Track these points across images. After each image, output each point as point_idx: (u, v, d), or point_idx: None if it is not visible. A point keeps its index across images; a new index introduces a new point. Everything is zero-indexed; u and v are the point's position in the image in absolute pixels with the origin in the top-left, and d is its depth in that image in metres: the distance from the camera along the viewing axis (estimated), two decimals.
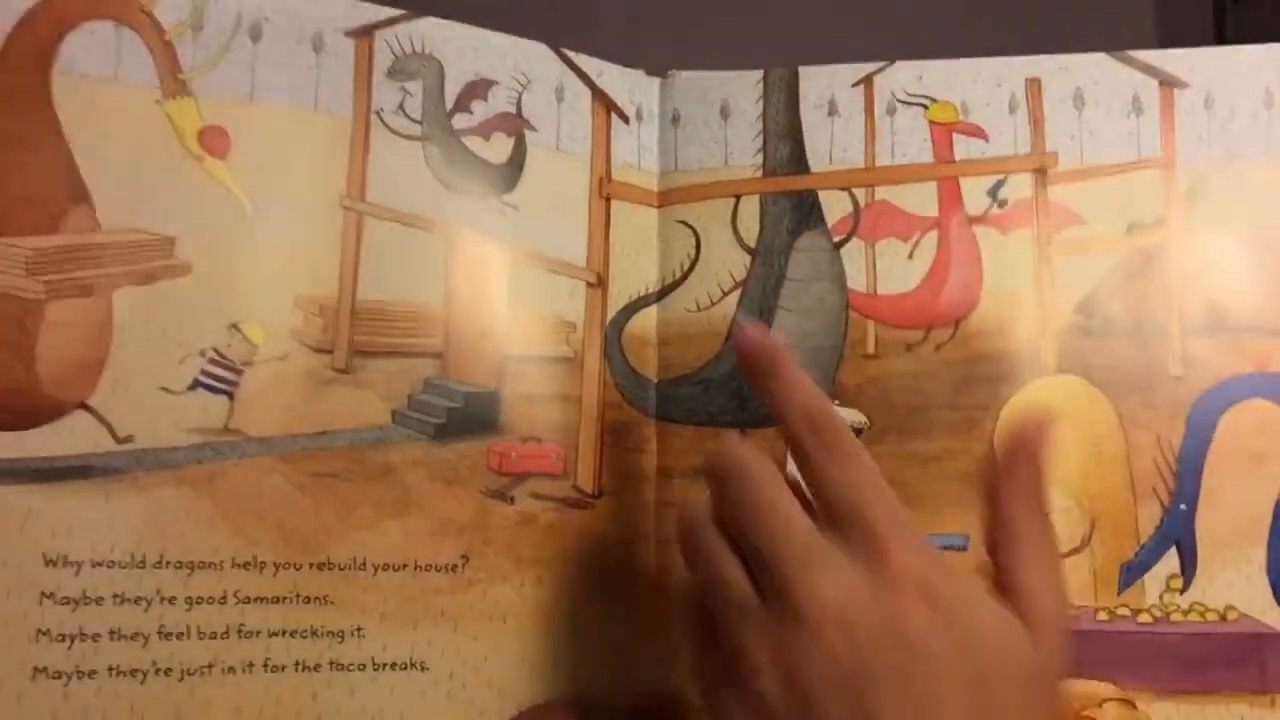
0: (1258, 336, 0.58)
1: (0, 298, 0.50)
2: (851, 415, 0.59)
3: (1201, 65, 0.61)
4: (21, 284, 0.50)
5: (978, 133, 0.61)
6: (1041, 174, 0.61)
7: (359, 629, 0.53)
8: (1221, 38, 0.90)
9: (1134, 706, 0.57)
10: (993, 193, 0.61)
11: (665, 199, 0.62)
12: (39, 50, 0.51)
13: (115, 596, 0.50)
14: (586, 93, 0.61)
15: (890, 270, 0.61)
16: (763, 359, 0.47)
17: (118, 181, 0.52)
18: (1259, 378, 0.58)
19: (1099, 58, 0.61)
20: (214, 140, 0.54)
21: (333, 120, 0.56)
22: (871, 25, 0.88)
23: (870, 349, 0.60)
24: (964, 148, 0.61)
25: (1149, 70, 0.61)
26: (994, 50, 0.62)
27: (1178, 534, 0.58)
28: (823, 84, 0.62)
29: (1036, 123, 0.61)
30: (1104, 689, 0.57)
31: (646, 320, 0.61)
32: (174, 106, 0.54)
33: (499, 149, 0.59)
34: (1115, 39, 0.64)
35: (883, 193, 0.61)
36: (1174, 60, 0.61)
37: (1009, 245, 0.61)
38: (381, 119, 0.57)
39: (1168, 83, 0.60)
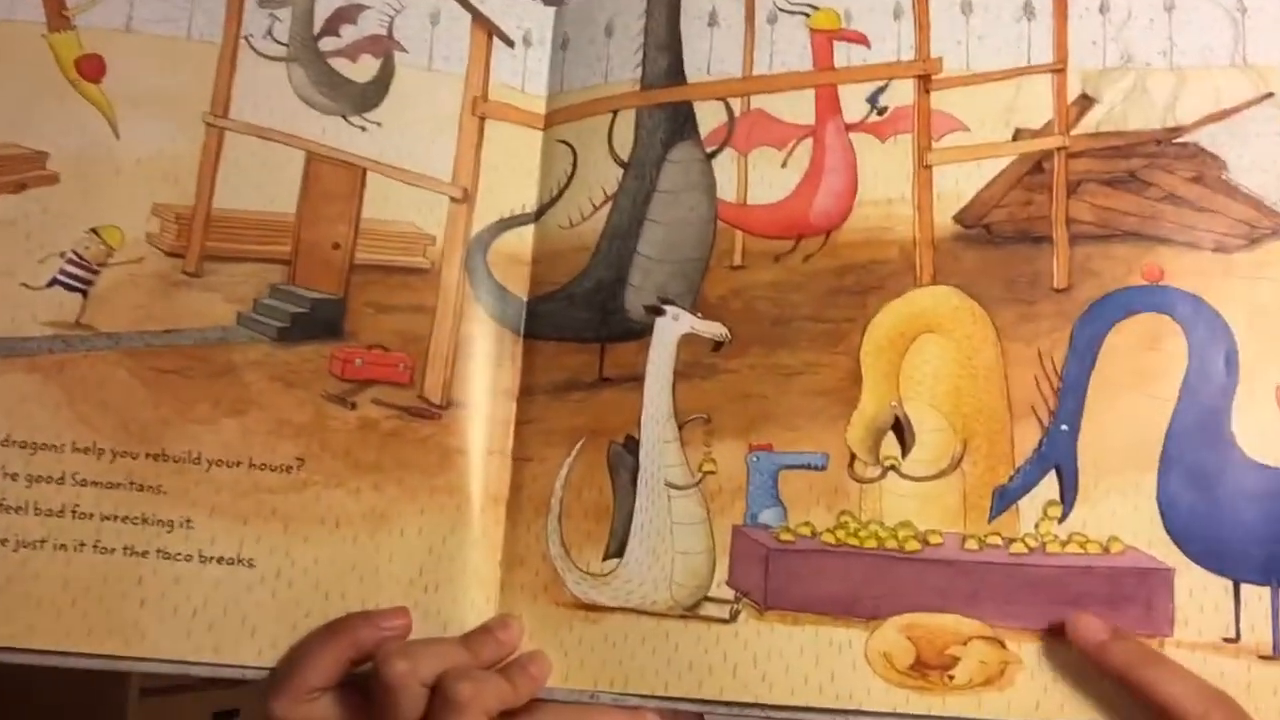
0: (1149, 246, 0.56)
1: None
2: (711, 328, 0.60)
3: None
4: None
5: (859, 39, 0.62)
6: (925, 80, 0.61)
7: (188, 520, 0.58)
8: None
9: (1002, 646, 0.55)
10: (872, 100, 0.61)
11: (550, 120, 0.66)
12: None
13: None
14: (466, 17, 0.66)
15: (762, 179, 0.62)
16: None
17: (1, 104, 0.61)
18: (1150, 290, 0.56)
19: None
20: (90, 67, 0.63)
21: (204, 47, 0.64)
22: None
23: (737, 260, 0.62)
24: (845, 55, 0.62)
25: None
26: None
27: (1057, 457, 0.56)
28: None
29: (922, 28, 0.61)
30: (969, 626, 0.55)
31: (521, 239, 0.64)
32: (56, 39, 0.63)
33: (365, 69, 0.64)
34: None
35: (758, 102, 0.63)
36: None
37: (887, 153, 0.61)
38: (249, 43, 0.64)
39: None
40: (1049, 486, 0.56)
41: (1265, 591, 0.53)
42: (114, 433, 0.59)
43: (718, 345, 0.60)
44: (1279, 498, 0.54)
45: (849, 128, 0.61)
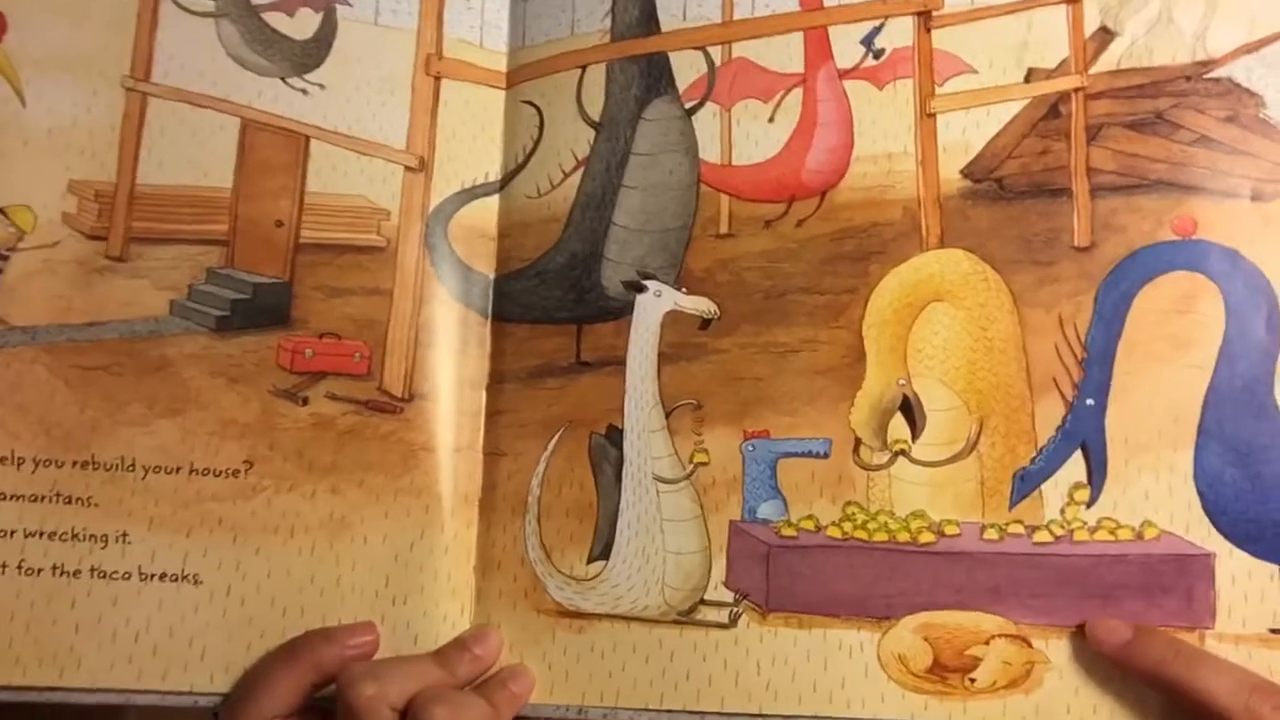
0: (1180, 196, 0.52)
1: None
2: (698, 304, 0.56)
3: None
4: None
5: None
6: (924, 17, 0.56)
7: (124, 534, 0.54)
8: None
9: (1028, 645, 0.51)
10: (867, 42, 0.57)
11: (513, 79, 0.61)
12: None
13: None
14: None
15: (748, 137, 0.58)
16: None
17: None
18: (1181, 245, 0.52)
19: None
20: None
21: (120, 1, 0.58)
22: None
23: (723, 227, 0.57)
24: None
25: None
26: None
27: (1084, 434, 0.52)
28: None
29: None
30: (991, 623, 0.52)
31: (485, 210, 0.60)
32: None
33: (304, 24, 0.59)
34: None
35: (741, 49, 0.58)
36: None
37: (885, 101, 0.56)
38: None
39: None
40: (1075, 468, 0.52)
41: None
42: (35, 439, 0.54)
43: (705, 323, 0.56)
44: None
45: (842, 74, 0.57)
